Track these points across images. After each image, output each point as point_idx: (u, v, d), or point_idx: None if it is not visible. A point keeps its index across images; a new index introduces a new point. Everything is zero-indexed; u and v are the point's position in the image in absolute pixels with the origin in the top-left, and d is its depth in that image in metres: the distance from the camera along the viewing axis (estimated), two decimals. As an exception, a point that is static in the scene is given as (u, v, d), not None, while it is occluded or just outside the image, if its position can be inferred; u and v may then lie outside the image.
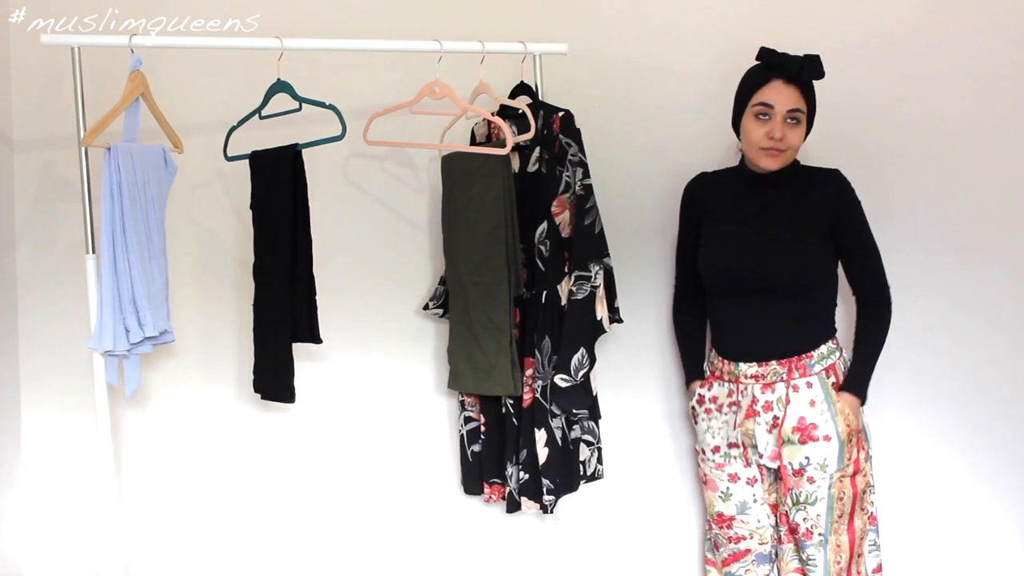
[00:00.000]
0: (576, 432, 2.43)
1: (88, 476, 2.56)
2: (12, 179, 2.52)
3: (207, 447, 2.62)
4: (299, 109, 2.31)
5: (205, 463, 2.62)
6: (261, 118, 2.32)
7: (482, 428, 2.54)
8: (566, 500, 2.49)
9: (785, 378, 2.28)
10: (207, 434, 2.61)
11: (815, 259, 2.29)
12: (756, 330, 2.31)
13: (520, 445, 2.43)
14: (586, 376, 2.36)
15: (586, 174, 2.37)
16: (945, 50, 2.65)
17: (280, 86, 2.26)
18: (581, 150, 2.38)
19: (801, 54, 2.26)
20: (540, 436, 2.38)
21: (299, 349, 2.37)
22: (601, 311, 2.37)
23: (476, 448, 2.55)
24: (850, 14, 2.65)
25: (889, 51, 2.65)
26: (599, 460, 2.50)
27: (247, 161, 2.35)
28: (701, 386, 2.45)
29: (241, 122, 2.33)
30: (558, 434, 2.39)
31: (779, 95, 2.25)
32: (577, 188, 2.37)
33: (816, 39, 2.60)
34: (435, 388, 2.69)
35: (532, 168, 2.42)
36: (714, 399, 2.41)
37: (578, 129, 2.38)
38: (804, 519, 2.28)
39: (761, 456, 2.30)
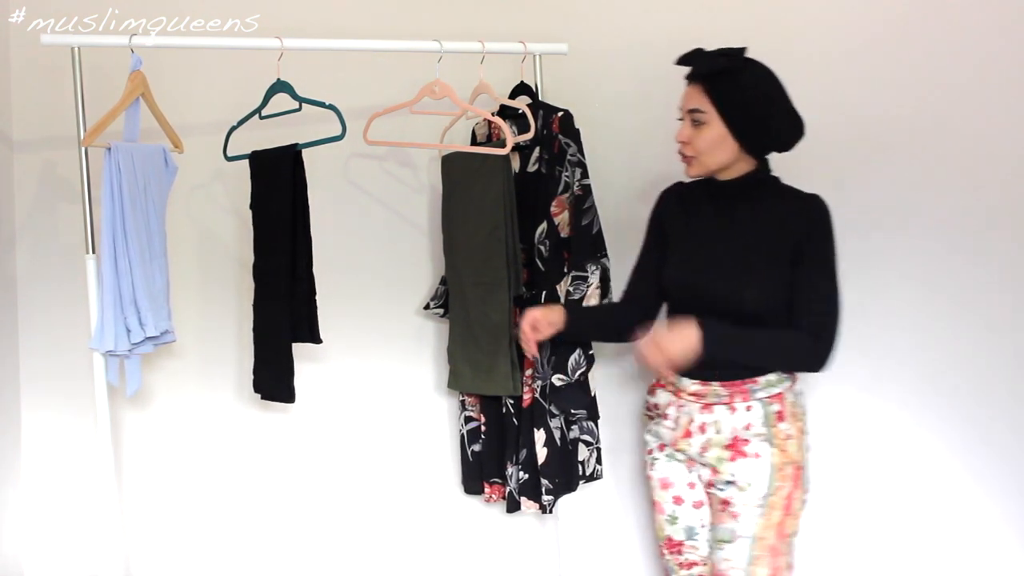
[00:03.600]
0: (575, 432, 2.43)
1: (88, 476, 2.56)
2: (12, 179, 2.52)
3: (207, 447, 2.62)
4: (299, 109, 2.31)
5: (205, 463, 2.62)
6: (261, 118, 2.32)
7: (482, 428, 2.54)
8: (565, 500, 2.49)
9: (727, 401, 2.10)
10: (207, 434, 2.62)
11: (778, 286, 2.06)
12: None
13: (520, 445, 2.43)
14: (584, 376, 2.36)
15: (584, 174, 2.38)
16: (943, 47, 2.65)
17: (280, 86, 2.26)
18: (580, 150, 2.38)
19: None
20: (539, 436, 2.39)
21: (299, 349, 2.37)
22: None
23: (476, 448, 2.55)
24: (851, 15, 2.65)
25: (887, 50, 2.65)
26: (598, 460, 2.50)
27: (247, 161, 2.35)
28: (649, 393, 2.30)
29: (241, 122, 2.33)
30: (557, 434, 2.39)
31: (684, 96, 2.09)
32: (576, 188, 2.37)
33: (821, 39, 2.61)
34: (435, 388, 2.69)
35: (532, 168, 2.42)
36: (656, 406, 2.25)
37: (577, 129, 2.39)
38: (724, 559, 2.10)
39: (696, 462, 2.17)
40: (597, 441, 2.49)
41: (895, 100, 2.65)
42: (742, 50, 2.07)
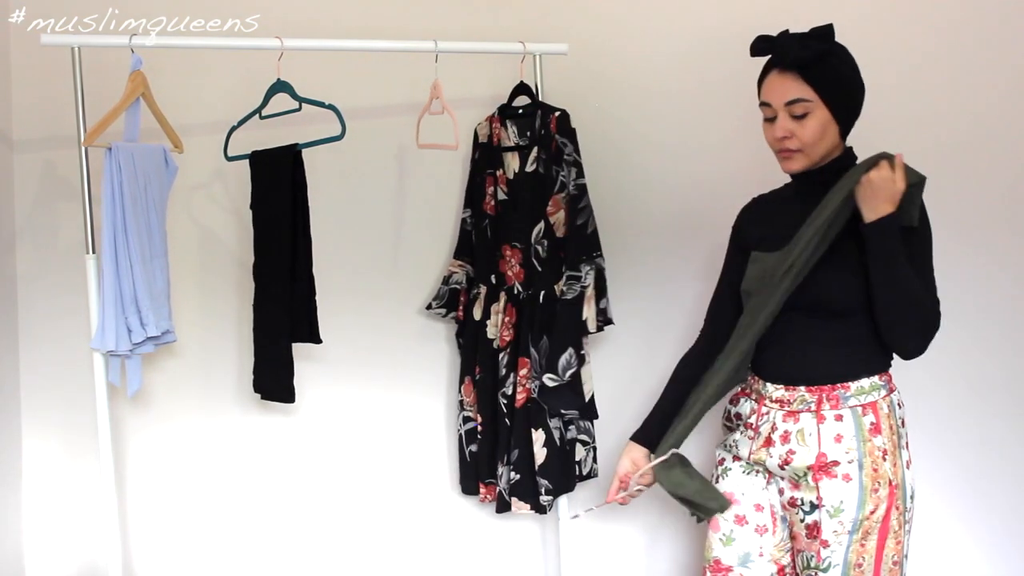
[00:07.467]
0: (572, 432, 2.44)
1: (88, 476, 2.57)
2: (12, 179, 2.52)
3: (207, 447, 2.62)
4: (299, 109, 2.32)
5: (205, 463, 2.63)
6: (261, 118, 2.33)
7: (479, 428, 2.54)
8: (562, 499, 2.50)
9: (814, 408, 1.93)
10: (207, 434, 2.62)
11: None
12: (790, 350, 1.97)
13: (512, 445, 2.44)
14: (575, 376, 2.37)
15: (580, 174, 2.38)
16: (947, 40, 2.66)
17: (280, 86, 2.27)
18: (576, 150, 2.39)
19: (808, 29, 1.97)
20: (537, 436, 2.40)
21: (299, 349, 2.37)
22: (587, 311, 2.38)
23: (473, 448, 2.56)
24: (854, 7, 2.65)
25: (893, 42, 2.65)
26: (594, 459, 2.51)
27: (247, 161, 2.35)
28: (731, 402, 2.12)
29: (241, 122, 2.33)
30: (556, 435, 2.40)
31: (774, 88, 1.93)
32: (571, 188, 2.38)
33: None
34: (436, 388, 2.69)
35: (530, 168, 2.43)
36: (739, 416, 2.08)
37: (573, 129, 2.39)
38: None
39: (783, 478, 1.98)
40: (593, 440, 2.49)
41: (895, 98, 2.66)
42: (829, 28, 1.95)
